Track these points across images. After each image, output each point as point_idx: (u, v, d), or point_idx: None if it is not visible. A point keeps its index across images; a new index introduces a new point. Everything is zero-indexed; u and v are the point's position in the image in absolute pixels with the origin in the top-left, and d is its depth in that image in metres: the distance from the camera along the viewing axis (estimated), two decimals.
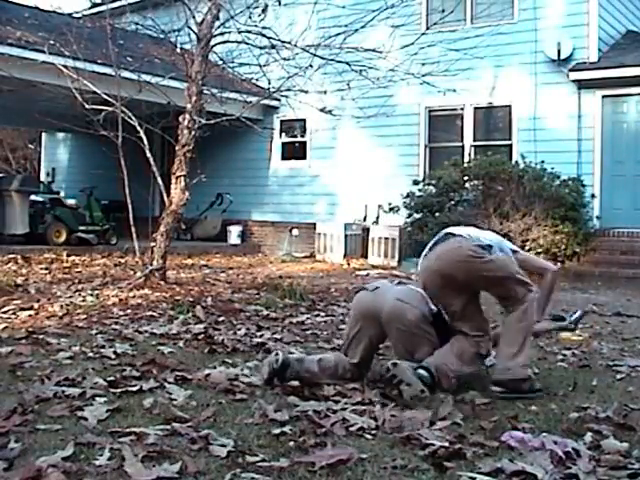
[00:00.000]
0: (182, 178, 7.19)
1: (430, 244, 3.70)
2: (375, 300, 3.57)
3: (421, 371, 3.30)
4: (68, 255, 9.99)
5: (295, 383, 3.43)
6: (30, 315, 5.25)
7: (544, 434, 2.76)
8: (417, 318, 3.46)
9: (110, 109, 7.30)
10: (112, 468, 2.29)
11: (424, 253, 3.69)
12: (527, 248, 10.17)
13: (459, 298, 3.54)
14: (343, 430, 2.80)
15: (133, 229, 7.37)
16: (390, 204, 12.15)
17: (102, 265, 9.30)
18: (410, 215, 11.51)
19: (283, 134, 14.42)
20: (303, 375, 3.49)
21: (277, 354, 3.49)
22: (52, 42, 9.30)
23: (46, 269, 8.49)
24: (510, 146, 11.74)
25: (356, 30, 7.71)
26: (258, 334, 4.94)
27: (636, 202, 10.88)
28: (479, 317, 3.63)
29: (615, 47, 11.46)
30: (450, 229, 3.72)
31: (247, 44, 7.72)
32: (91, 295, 6.29)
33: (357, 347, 3.61)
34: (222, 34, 7.51)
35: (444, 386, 3.35)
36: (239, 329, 5.08)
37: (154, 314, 5.55)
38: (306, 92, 8.16)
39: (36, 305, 5.65)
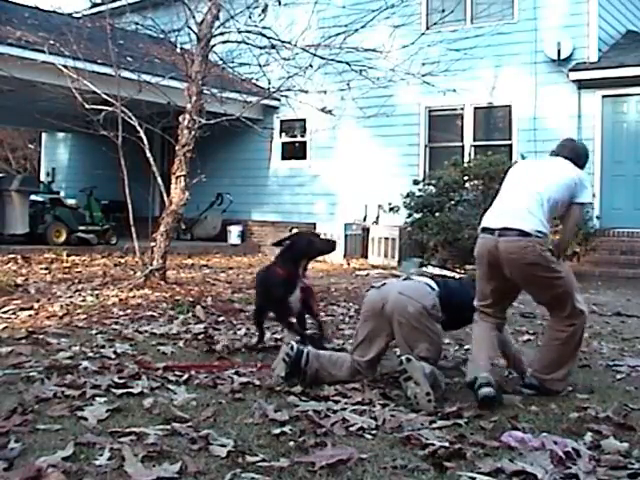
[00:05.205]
0: (182, 178, 7.19)
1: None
2: (381, 295, 3.64)
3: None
4: (68, 255, 9.99)
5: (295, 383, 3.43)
6: (30, 315, 5.25)
7: (544, 434, 2.76)
8: (417, 311, 3.49)
9: (110, 109, 7.30)
10: (112, 468, 2.29)
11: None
12: None
13: None
14: (343, 430, 2.80)
15: (133, 229, 7.37)
16: (390, 204, 12.14)
17: (102, 265, 9.30)
18: (410, 215, 11.50)
19: (283, 134, 14.42)
20: (324, 376, 3.53)
21: (289, 344, 3.52)
22: (52, 42, 9.31)
23: (46, 269, 8.48)
24: (510, 146, 11.74)
25: (356, 30, 7.70)
26: (258, 334, 4.93)
27: (636, 202, 10.87)
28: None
29: (615, 47, 11.45)
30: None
31: (247, 44, 7.72)
32: (91, 295, 6.29)
33: (371, 344, 3.64)
34: (222, 34, 7.51)
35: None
36: (239, 329, 5.09)
37: (154, 314, 5.55)
38: (306, 92, 8.16)
39: (36, 305, 5.65)
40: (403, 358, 3.30)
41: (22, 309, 5.46)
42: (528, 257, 3.35)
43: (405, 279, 3.85)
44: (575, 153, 3.76)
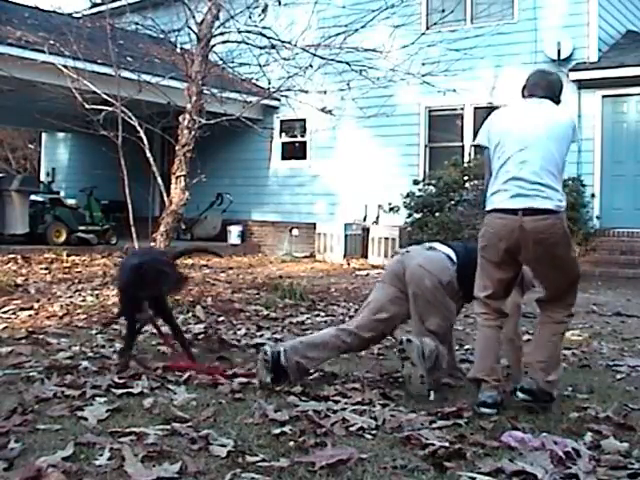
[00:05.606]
0: (182, 178, 7.18)
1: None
2: (403, 262, 3.70)
3: None
4: (68, 255, 9.99)
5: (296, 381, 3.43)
6: (30, 315, 5.25)
7: (544, 434, 2.76)
8: (433, 286, 3.53)
9: (110, 109, 7.29)
10: (112, 468, 2.29)
11: None
12: None
13: None
14: (343, 430, 2.80)
15: (133, 229, 7.36)
16: (390, 204, 12.14)
17: (102, 265, 9.29)
18: (410, 215, 11.51)
19: (283, 134, 14.42)
20: (305, 363, 3.52)
21: (263, 350, 3.51)
22: (52, 42, 9.30)
23: (46, 269, 8.49)
24: None
25: (356, 30, 7.69)
26: (258, 334, 4.95)
27: (636, 202, 10.87)
28: None
29: (615, 47, 11.46)
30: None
31: (247, 44, 7.71)
32: (91, 295, 6.30)
33: (388, 308, 3.67)
34: (222, 34, 7.50)
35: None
36: (239, 329, 5.09)
37: None
38: (306, 92, 8.15)
39: (36, 305, 5.65)
40: (404, 338, 3.43)
41: (22, 309, 5.46)
42: (556, 235, 3.22)
43: (429, 249, 3.75)
44: (551, 90, 3.44)
